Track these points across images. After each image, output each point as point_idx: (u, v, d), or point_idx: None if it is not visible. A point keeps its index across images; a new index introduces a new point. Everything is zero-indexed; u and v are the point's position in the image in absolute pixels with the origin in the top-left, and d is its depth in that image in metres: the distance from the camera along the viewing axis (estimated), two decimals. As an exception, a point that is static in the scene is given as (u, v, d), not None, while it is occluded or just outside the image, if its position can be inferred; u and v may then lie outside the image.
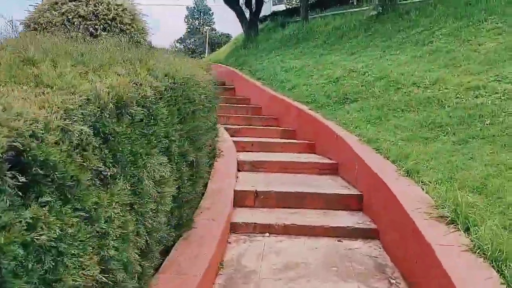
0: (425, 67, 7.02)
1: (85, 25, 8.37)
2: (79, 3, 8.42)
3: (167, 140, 2.21)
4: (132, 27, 9.07)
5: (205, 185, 3.94)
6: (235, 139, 6.66)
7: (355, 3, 12.37)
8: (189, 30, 52.79)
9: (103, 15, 8.43)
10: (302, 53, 11.34)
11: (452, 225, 2.70)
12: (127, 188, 1.69)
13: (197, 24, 52.86)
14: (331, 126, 6.08)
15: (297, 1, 20.78)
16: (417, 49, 8.11)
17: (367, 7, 11.19)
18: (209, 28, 49.76)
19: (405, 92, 6.42)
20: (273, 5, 24.44)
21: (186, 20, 53.90)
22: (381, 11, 10.42)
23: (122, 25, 8.58)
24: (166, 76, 2.46)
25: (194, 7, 52.67)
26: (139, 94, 1.91)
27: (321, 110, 7.09)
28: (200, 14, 52.92)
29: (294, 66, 10.20)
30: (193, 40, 50.84)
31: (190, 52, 47.64)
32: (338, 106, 7.02)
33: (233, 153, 5.51)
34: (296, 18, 15.75)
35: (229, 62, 15.02)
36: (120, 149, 1.66)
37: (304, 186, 4.62)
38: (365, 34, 10.40)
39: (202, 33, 48.15)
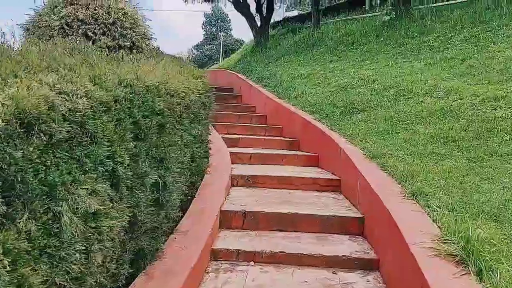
0: (439, 76, 6.56)
1: (84, 29, 8.15)
2: (79, 7, 8.22)
3: (111, 162, 1.85)
4: (134, 31, 8.82)
5: (187, 203, 3.58)
6: (233, 149, 6.30)
7: (367, 8, 11.94)
8: (206, 36, 53.04)
9: (103, 19, 8.20)
10: (311, 60, 10.96)
11: (461, 266, 2.27)
12: (33, 229, 1.33)
13: (214, 30, 53.13)
14: (335, 138, 5.66)
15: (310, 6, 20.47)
16: (431, 56, 7.66)
17: (380, 13, 10.77)
18: (224, 34, 49.59)
19: (417, 102, 5.97)
20: (286, 11, 24.18)
21: (203, 27, 54.38)
22: (394, 16, 9.99)
23: (122, 30, 8.34)
24: (120, 84, 2.11)
25: (211, 14, 52.91)
26: (66, 106, 1.56)
27: (326, 120, 6.68)
28: (217, 20, 53.36)
29: (301, 73, 9.82)
30: (210, 47, 51.02)
31: (206, 59, 48.64)
32: (345, 116, 6.60)
33: (226, 167, 5.14)
34: (308, 24, 15.39)
35: (238, 68, 14.73)
36: (22, 179, 1.30)
37: (301, 206, 4.21)
38: (377, 40, 9.98)
39: (218, 40, 48.17)
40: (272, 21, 21.12)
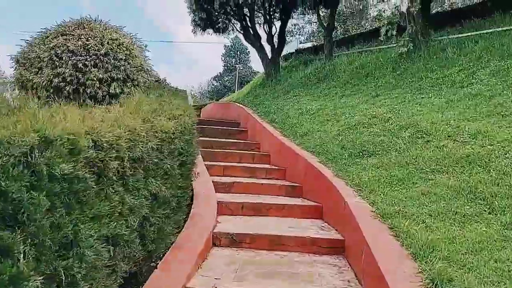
0: (463, 115, 5.77)
1: (74, 61, 7.67)
2: (70, 37, 7.79)
3: None
4: (128, 63, 8.31)
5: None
6: (225, 197, 5.56)
7: (383, 39, 11.33)
8: (225, 68, 54.23)
9: (95, 50, 7.73)
10: (321, 94, 10.31)
11: None
12: None
13: (233, 62, 54.13)
14: (340, 188, 4.87)
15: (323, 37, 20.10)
16: (454, 92, 6.88)
17: (396, 44, 10.12)
18: (241, 66, 50.29)
19: (437, 147, 5.16)
20: (300, 42, 23.89)
21: (223, 58, 55.75)
22: (412, 48, 9.32)
23: (115, 61, 7.84)
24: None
25: (231, 46, 54.28)
26: None
27: (332, 164, 5.91)
28: (236, 52, 54.63)
29: (310, 108, 9.14)
30: (229, 78, 52.05)
31: (225, 89, 49.85)
32: (353, 160, 5.83)
33: (207, 222, 4.39)
34: (321, 56, 14.89)
35: (246, 101, 14.21)
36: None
37: (291, 280, 3.41)
38: (393, 74, 9.28)
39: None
40: (285, 52, 20.82)
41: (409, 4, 9.65)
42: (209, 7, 13.78)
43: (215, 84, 54.11)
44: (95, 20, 8.82)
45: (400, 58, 9.64)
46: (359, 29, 21.21)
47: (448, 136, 5.27)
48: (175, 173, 3.58)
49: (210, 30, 16.67)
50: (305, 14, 17.31)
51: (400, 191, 4.43)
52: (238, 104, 14.04)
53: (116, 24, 7.98)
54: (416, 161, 5.00)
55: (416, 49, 9.49)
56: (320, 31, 29.06)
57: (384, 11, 15.15)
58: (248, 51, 55.19)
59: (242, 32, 16.11)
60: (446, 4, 18.11)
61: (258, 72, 39.88)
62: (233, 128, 11.32)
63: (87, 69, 7.94)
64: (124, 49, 8.39)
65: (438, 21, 11.28)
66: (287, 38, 16.40)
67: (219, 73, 55.02)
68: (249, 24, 15.73)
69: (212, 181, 5.90)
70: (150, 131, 2.96)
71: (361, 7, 20.87)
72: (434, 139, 5.38)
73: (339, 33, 17.87)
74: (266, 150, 8.69)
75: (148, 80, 10.31)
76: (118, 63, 8.11)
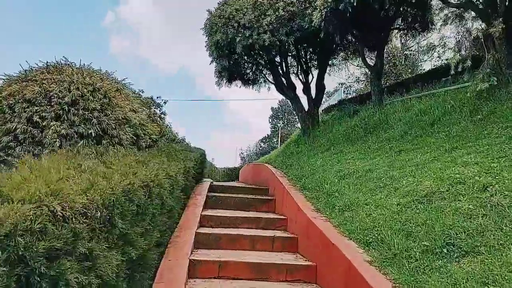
0: None
1: (29, 113, 5.86)
2: (31, 83, 6.05)
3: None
4: (105, 114, 6.37)
5: None
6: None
7: (451, 76, 8.96)
8: (273, 130, 54.90)
9: (58, 97, 5.93)
10: (370, 149, 7.88)
11: None
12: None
13: (280, 124, 54.90)
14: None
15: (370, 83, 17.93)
16: None
17: (471, 82, 7.66)
18: (282, 123, 49.85)
19: None
20: (344, 92, 21.77)
21: (270, 120, 56.83)
22: (495, 82, 6.82)
23: (86, 112, 5.91)
24: None
25: (278, 108, 55.77)
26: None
27: (393, 268, 3.41)
28: (284, 114, 55.28)
29: (354, 169, 6.73)
30: (276, 140, 52.57)
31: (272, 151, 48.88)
32: (431, 262, 3.30)
33: None
34: (368, 105, 12.62)
35: (278, 162, 11.99)
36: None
37: None
38: (471, 119, 6.73)
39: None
40: (326, 105, 18.67)
41: (486, 27, 7.29)
42: (232, 53, 12.15)
43: (263, 146, 54.73)
44: (70, 64, 7.16)
45: (479, 98, 7.12)
46: (413, 71, 18.83)
47: None
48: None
49: (238, 82, 15.01)
50: (347, 60, 15.28)
51: None
52: (267, 165, 11.81)
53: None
54: None
55: (501, 85, 6.97)
56: (365, 74, 26.98)
57: (443, 43, 12.75)
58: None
59: (274, 82, 14.28)
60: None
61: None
62: (258, 197, 9.03)
63: (45, 123, 6.14)
64: (101, 96, 6.53)
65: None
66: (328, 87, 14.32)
67: (267, 134, 55.84)
68: (281, 73, 13.90)
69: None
70: None
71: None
72: None
73: (391, 78, 15.70)
74: (293, 229, 6.27)
75: (145, 136, 8.40)
76: (90, 115, 6.23)
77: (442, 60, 15.06)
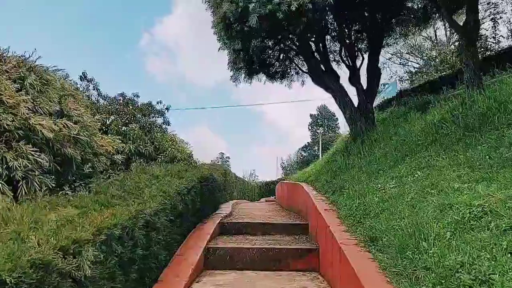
0: None
1: None
2: None
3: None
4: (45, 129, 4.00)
5: None
6: None
7: None
8: (313, 137, 53.57)
9: None
10: (483, 162, 4.34)
11: None
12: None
13: (321, 130, 53.31)
14: None
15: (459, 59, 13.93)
16: None
17: None
18: (322, 130, 47.08)
19: None
20: (399, 80, 17.90)
21: (309, 128, 55.48)
22: None
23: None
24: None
25: (317, 114, 54.89)
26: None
27: None
28: (324, 120, 54.12)
29: (481, 206, 3.22)
30: (316, 148, 50.51)
31: (315, 159, 47.78)
32: None
33: None
34: (451, 92, 8.96)
35: (321, 181, 8.55)
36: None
37: None
38: None
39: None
40: (377, 101, 14.91)
41: None
42: (248, 34, 8.89)
43: (304, 155, 53.83)
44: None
45: None
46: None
47: None
48: None
49: (262, 76, 11.70)
50: (406, 36, 11.49)
51: None
52: (305, 187, 8.39)
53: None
54: None
55: None
56: (409, 73, 22.72)
57: None
58: (336, 118, 55.13)
59: (309, 72, 10.87)
60: None
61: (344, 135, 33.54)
62: (290, 247, 5.76)
63: None
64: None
65: None
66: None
67: (307, 143, 54.62)
68: (318, 58, 10.49)
69: None
70: None
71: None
72: None
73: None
74: None
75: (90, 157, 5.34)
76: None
77: None
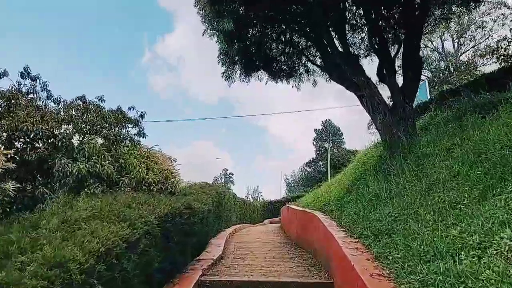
0: None
1: None
2: None
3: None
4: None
5: None
6: None
7: None
8: (318, 152, 52.62)
9: None
10: None
11: None
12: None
13: (330, 144, 51.67)
14: None
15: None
16: None
17: None
18: (331, 145, 44.87)
19: None
20: (430, 87, 15.43)
21: (314, 143, 54.60)
22: None
23: None
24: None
25: (322, 129, 54.01)
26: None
27: None
28: (328, 135, 53.20)
29: None
30: (323, 163, 49.26)
31: (320, 175, 47.31)
32: None
33: None
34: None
35: (346, 211, 6.09)
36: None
37: None
38: None
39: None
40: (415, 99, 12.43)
41: None
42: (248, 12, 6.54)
43: (308, 170, 52.62)
44: None
45: None
46: None
47: None
48: None
49: (263, 74, 9.31)
50: (448, 20, 9.09)
51: None
52: (323, 222, 5.89)
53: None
54: None
55: None
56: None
57: None
58: (341, 132, 54.41)
59: (325, 67, 8.46)
60: None
61: (354, 150, 30.37)
62: None
63: None
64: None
65: None
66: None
67: (312, 158, 53.35)
68: (340, 49, 8.08)
69: None
70: None
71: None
72: None
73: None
74: None
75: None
76: None
77: None
